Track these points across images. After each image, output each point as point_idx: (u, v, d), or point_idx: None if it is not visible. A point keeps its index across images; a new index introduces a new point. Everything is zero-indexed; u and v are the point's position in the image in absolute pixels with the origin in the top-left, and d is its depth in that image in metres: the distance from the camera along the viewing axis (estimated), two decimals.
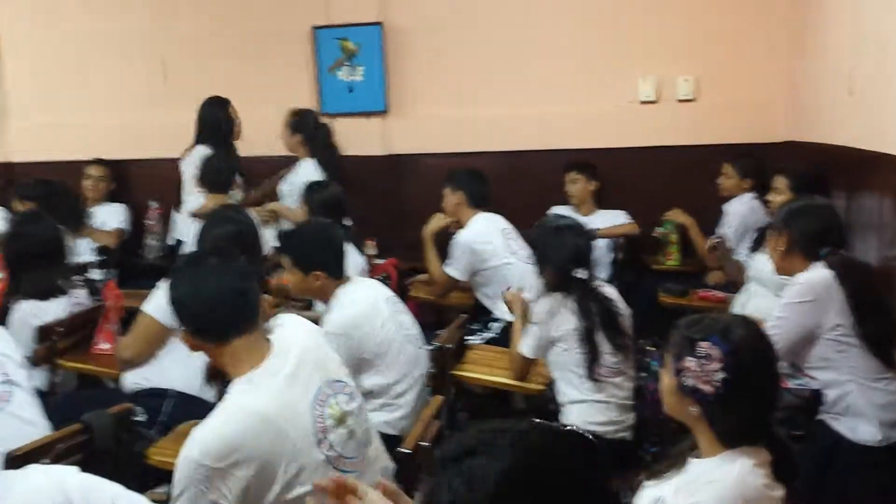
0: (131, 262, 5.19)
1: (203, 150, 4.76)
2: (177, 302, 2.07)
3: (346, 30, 5.23)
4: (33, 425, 2.43)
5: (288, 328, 2.14)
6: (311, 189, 4.18)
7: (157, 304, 3.09)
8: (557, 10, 5.10)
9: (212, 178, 4.41)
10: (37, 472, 1.44)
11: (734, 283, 3.99)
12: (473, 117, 5.24)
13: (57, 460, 2.12)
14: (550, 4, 5.12)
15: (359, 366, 2.86)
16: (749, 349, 1.74)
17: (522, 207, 4.82)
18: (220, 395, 3.07)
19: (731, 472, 1.69)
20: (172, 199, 5.09)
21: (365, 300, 3.00)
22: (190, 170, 4.77)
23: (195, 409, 2.97)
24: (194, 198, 4.70)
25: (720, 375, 1.72)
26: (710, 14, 4.91)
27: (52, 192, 4.39)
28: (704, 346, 1.74)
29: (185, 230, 4.84)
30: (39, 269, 3.44)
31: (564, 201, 4.90)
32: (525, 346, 3.02)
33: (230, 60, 5.44)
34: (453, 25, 5.22)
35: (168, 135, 5.46)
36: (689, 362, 1.75)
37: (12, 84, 5.75)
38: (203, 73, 5.46)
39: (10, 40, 5.70)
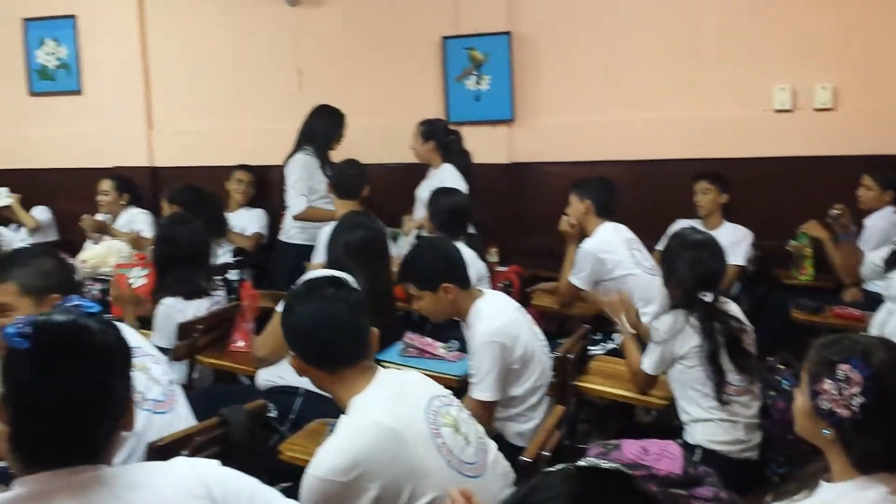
0: (266, 265, 5.42)
1: (303, 157, 4.93)
2: (291, 329, 2.12)
3: (475, 39, 5.29)
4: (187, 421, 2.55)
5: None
6: (438, 195, 4.26)
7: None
8: (688, 15, 5.02)
9: (343, 184, 4.54)
10: (181, 464, 1.53)
11: (847, 265, 3.95)
12: (599, 125, 5.21)
13: (195, 453, 2.23)
14: (680, 9, 5.04)
15: (507, 377, 2.89)
16: (891, 374, 1.68)
17: (647, 217, 4.76)
18: None
19: (865, 498, 1.64)
20: None
21: (507, 310, 3.01)
22: (293, 174, 4.94)
23: (323, 407, 3.07)
24: (296, 201, 4.89)
25: (859, 400, 1.66)
26: (849, 20, 4.72)
27: (199, 197, 4.65)
28: (844, 369, 1.69)
29: (290, 233, 5.07)
30: (185, 270, 3.65)
31: (690, 212, 4.79)
32: (647, 362, 2.99)
33: (362, 69, 5.61)
34: (581, 33, 5.21)
35: None
36: (827, 385, 1.70)
37: (160, 92, 6.08)
38: (335, 81, 5.66)
39: (158, 50, 6.04)
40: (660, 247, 4.60)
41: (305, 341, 2.09)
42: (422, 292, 2.96)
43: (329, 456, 1.89)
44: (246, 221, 5.53)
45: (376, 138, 5.54)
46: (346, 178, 4.56)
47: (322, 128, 5.03)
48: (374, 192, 5.10)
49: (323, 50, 5.69)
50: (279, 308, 3.22)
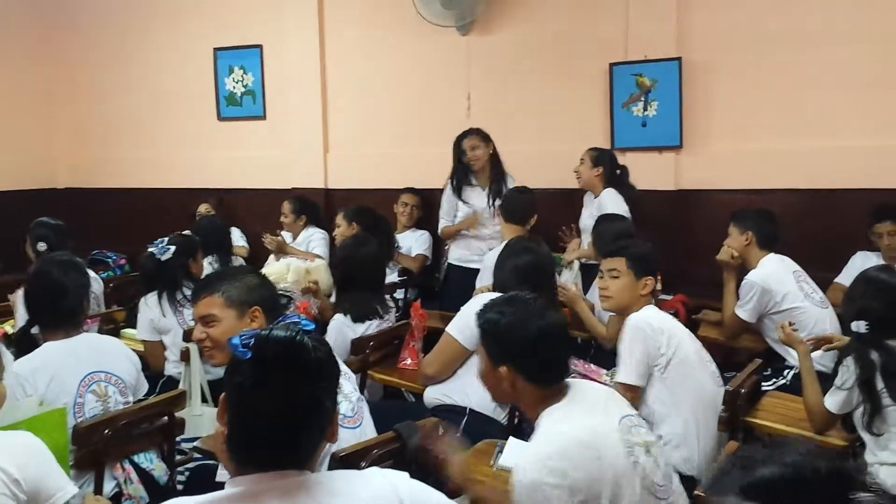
0: (428, 285, 5.59)
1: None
2: (519, 342, 2.16)
3: (643, 65, 5.28)
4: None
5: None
6: (602, 221, 4.27)
7: (459, 325, 3.34)
8: (865, 37, 4.80)
9: (511, 208, 4.64)
10: (376, 474, 1.64)
11: None
12: (770, 152, 5.07)
13: (372, 464, 2.35)
14: (857, 31, 4.82)
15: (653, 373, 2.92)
16: None
17: (819, 248, 4.59)
18: (511, 416, 3.26)
19: None
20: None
21: (668, 319, 3.06)
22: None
23: (488, 428, 3.18)
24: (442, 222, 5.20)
25: None
26: None
27: (374, 219, 4.87)
28: None
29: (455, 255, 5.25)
30: (362, 291, 3.86)
31: (867, 244, 4.56)
32: (830, 401, 2.89)
33: (528, 95, 5.71)
34: (754, 59, 5.08)
35: None
36: None
37: (335, 117, 6.40)
38: (502, 107, 5.78)
39: (335, 77, 6.36)
40: (840, 279, 4.45)
41: (533, 355, 2.15)
42: None
43: (537, 459, 1.97)
44: (411, 243, 5.71)
45: (541, 163, 5.62)
46: (514, 203, 4.66)
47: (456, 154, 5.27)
48: (543, 216, 5.17)
49: (491, 76, 5.82)
50: (448, 329, 3.37)
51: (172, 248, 3.95)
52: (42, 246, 4.29)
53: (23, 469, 1.90)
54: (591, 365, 3.40)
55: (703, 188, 5.25)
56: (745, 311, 4.00)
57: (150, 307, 3.90)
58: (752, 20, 5.07)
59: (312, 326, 1.63)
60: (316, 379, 1.54)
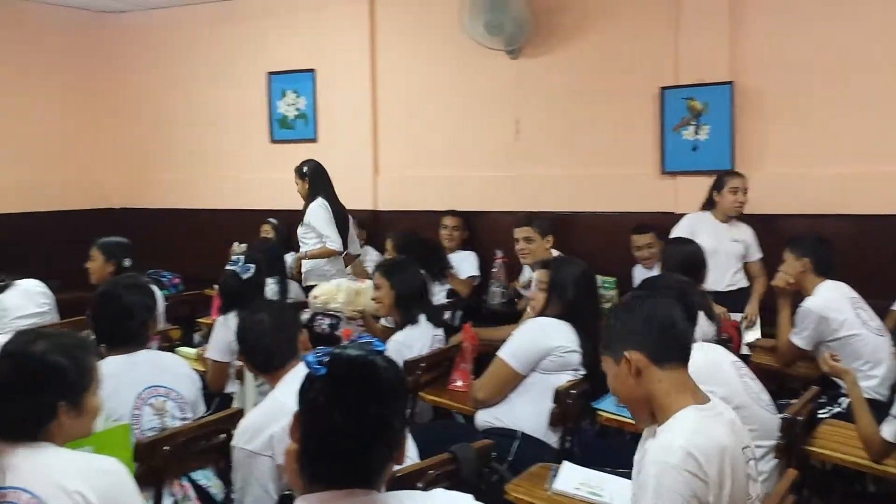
0: (476, 307, 5.61)
1: None
2: (660, 326, 2.06)
3: (695, 89, 5.27)
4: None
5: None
6: (674, 243, 4.25)
7: (511, 349, 3.35)
8: None
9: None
10: (441, 495, 1.66)
11: None
12: (823, 177, 5.01)
13: (428, 485, 2.37)
14: None
15: None
16: None
17: (876, 275, 4.52)
18: (563, 440, 3.26)
19: None
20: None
21: (708, 359, 2.99)
22: None
23: (540, 451, 3.17)
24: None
25: None
26: None
27: (421, 244, 4.92)
28: None
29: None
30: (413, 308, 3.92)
31: None
32: (887, 429, 2.84)
33: (577, 119, 5.73)
34: (806, 82, 5.04)
35: (515, 189, 5.89)
36: None
37: (385, 140, 6.47)
38: (552, 131, 5.81)
39: (386, 100, 6.44)
40: None
41: (673, 339, 2.07)
42: None
43: (683, 444, 1.88)
44: (457, 264, 5.73)
45: (591, 187, 5.63)
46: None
47: None
48: (589, 240, 5.17)
49: (540, 100, 5.85)
50: (500, 353, 3.39)
51: (254, 266, 3.99)
52: (128, 262, 4.37)
53: (102, 497, 1.89)
54: None
55: (754, 213, 5.21)
56: (801, 339, 3.94)
57: (230, 327, 3.91)
58: (805, 45, 5.04)
59: (383, 347, 1.66)
60: (386, 399, 1.56)
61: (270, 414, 2.52)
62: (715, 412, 2.02)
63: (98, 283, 4.08)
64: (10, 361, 1.99)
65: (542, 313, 3.42)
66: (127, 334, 2.86)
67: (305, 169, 5.51)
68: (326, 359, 1.56)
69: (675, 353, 2.06)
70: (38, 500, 1.83)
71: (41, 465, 1.88)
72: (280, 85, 6.81)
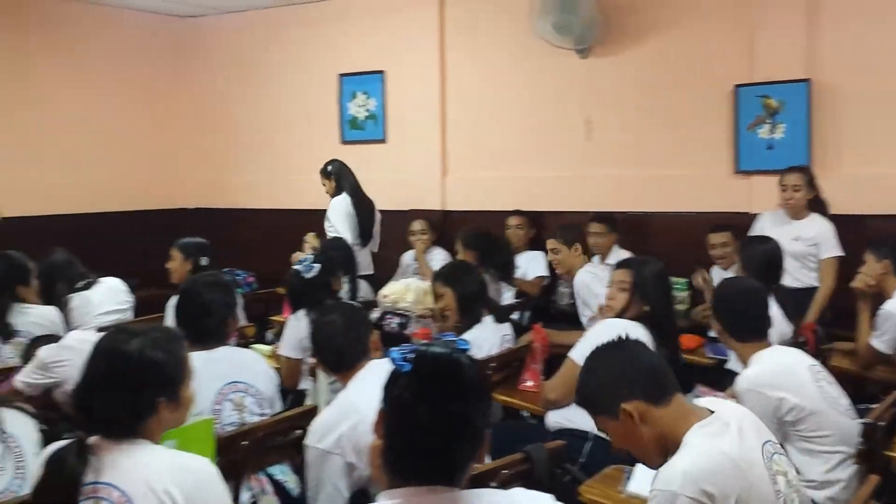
0: (544, 307, 5.59)
1: None
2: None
3: (770, 87, 5.16)
4: None
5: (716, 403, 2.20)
6: (752, 242, 4.19)
7: (583, 350, 3.32)
8: None
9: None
10: (521, 494, 1.67)
11: None
12: None
13: (501, 485, 2.38)
14: None
15: (783, 432, 2.80)
16: None
17: None
18: None
19: None
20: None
21: (782, 363, 2.93)
22: None
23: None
24: None
25: None
26: None
27: (490, 242, 4.93)
28: None
29: None
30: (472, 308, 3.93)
31: None
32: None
33: (649, 118, 5.67)
34: (885, 80, 4.91)
35: (585, 189, 5.85)
36: None
37: (454, 140, 6.50)
38: (623, 130, 5.76)
39: (455, 101, 6.47)
40: None
41: (660, 374, 2.07)
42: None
43: (683, 470, 1.90)
44: (525, 264, 5.72)
45: (663, 187, 5.56)
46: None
47: None
48: (661, 241, 5.11)
49: (611, 99, 5.81)
50: (571, 354, 3.37)
51: (318, 266, 4.07)
52: (205, 261, 4.49)
53: (189, 497, 1.92)
54: (720, 393, 3.32)
55: (834, 213, 5.08)
56: (882, 342, 3.84)
57: (301, 325, 4.01)
58: (884, 41, 4.92)
59: (467, 346, 1.68)
60: (469, 397, 1.58)
61: (341, 413, 2.57)
62: (719, 424, 2.00)
63: (178, 282, 4.21)
64: (108, 360, 2.03)
65: (621, 315, 3.39)
66: (207, 331, 2.93)
67: (330, 168, 5.89)
68: (412, 356, 1.59)
69: (667, 386, 2.05)
70: (128, 498, 1.88)
71: (134, 463, 1.92)
72: (351, 86, 6.90)
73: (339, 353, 2.82)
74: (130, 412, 1.98)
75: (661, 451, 2.01)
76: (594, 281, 4.64)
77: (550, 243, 5.00)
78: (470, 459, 1.60)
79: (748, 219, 4.99)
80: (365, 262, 5.77)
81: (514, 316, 5.18)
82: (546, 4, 5.52)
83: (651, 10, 5.64)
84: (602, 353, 2.15)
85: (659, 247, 5.24)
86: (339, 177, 5.84)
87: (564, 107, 5.98)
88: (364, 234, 5.78)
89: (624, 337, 2.20)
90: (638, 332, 3.33)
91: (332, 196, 5.82)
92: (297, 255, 5.79)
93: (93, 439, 1.95)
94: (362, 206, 5.80)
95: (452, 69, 6.43)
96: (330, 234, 5.72)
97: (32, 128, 6.67)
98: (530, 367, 3.82)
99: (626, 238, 5.27)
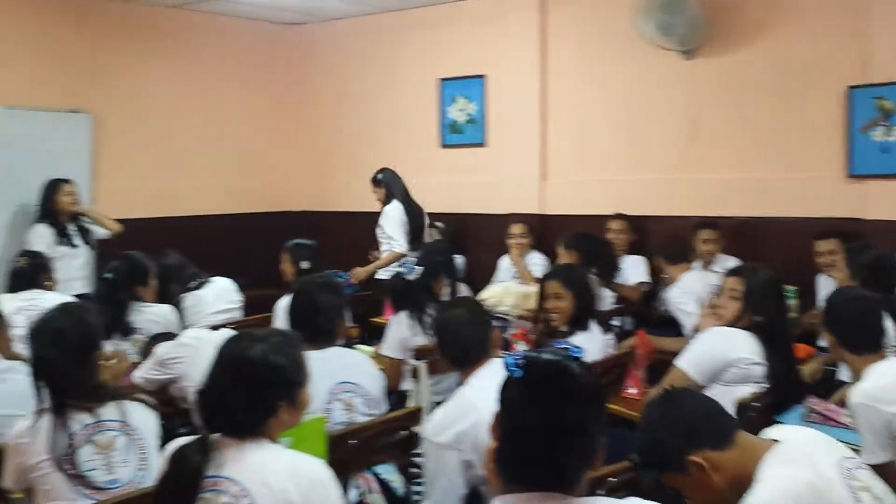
0: (646, 313, 5.51)
1: None
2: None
3: (886, 88, 4.96)
4: None
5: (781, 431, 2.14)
6: (856, 251, 4.05)
7: (690, 358, 3.28)
8: None
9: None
10: (635, 503, 1.66)
11: None
12: None
13: (609, 493, 2.36)
14: None
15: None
16: None
17: None
18: None
19: None
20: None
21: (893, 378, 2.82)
22: None
23: None
24: None
25: None
26: None
27: (594, 245, 4.90)
28: None
29: None
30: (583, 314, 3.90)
31: None
32: None
33: (756, 121, 5.53)
34: None
35: (689, 193, 5.74)
36: None
37: (554, 144, 6.47)
38: (729, 133, 5.64)
39: (555, 105, 6.43)
40: None
41: (721, 418, 2.04)
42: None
43: (768, 498, 1.86)
44: (627, 270, 5.64)
45: (771, 191, 5.42)
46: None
47: None
48: (769, 247, 4.98)
49: (717, 101, 5.68)
50: (678, 361, 3.32)
51: (419, 269, 4.13)
52: (305, 264, 4.62)
53: (306, 498, 1.98)
54: (832, 404, 3.22)
55: None
56: None
57: (402, 326, 4.08)
58: None
59: (581, 353, 1.68)
60: (580, 403, 1.58)
61: (459, 410, 2.58)
62: (788, 452, 1.93)
63: (290, 283, 4.33)
64: (233, 365, 2.10)
65: (731, 324, 3.32)
66: (318, 331, 3.00)
67: (380, 176, 5.99)
68: (523, 361, 1.60)
69: (727, 427, 1.99)
70: (247, 492, 1.95)
71: (254, 460, 2.00)
72: (451, 91, 6.95)
73: (463, 347, 2.82)
74: (252, 414, 2.05)
75: (738, 493, 1.93)
76: (698, 285, 4.57)
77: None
78: (584, 467, 1.59)
79: (861, 225, 4.82)
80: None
81: (615, 322, 5.13)
82: (649, 5, 5.45)
83: (759, 10, 5.49)
84: (655, 409, 2.10)
85: (767, 253, 5.12)
86: (390, 184, 5.95)
87: (668, 109, 5.88)
88: (415, 240, 5.87)
89: (670, 388, 2.18)
90: (745, 339, 3.27)
91: (383, 203, 5.93)
92: (375, 255, 5.93)
93: (215, 437, 2.03)
94: (413, 212, 5.91)
95: (554, 72, 6.40)
96: (382, 240, 5.87)
97: (149, 135, 6.95)
98: (633, 374, 3.77)
99: (731, 244, 5.16)
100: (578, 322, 3.86)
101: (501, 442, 1.60)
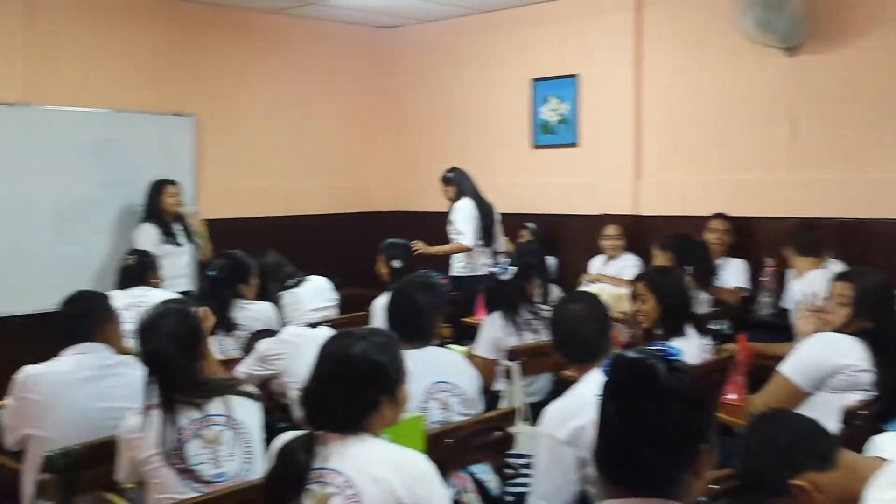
0: (744, 317, 5.37)
1: None
2: None
3: None
4: None
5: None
6: None
7: (794, 364, 3.19)
8: None
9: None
10: None
11: None
12: None
13: (711, 500, 2.31)
14: None
15: None
16: None
17: None
18: None
19: None
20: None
21: None
22: None
23: None
24: None
25: None
26: None
27: (690, 246, 4.80)
28: None
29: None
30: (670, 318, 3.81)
31: None
32: None
33: (863, 120, 5.33)
34: None
35: (790, 194, 5.58)
36: None
37: (650, 143, 6.36)
38: (832, 132, 5.45)
39: (651, 104, 6.33)
40: None
41: (826, 436, 1.98)
42: None
43: None
44: (726, 271, 5.51)
45: (879, 192, 5.21)
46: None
47: None
48: (880, 249, 4.79)
49: (820, 100, 5.49)
50: (781, 368, 3.23)
51: (513, 269, 4.14)
52: (397, 263, 4.67)
53: (409, 489, 2.04)
54: None
55: None
56: None
57: (495, 326, 4.09)
58: None
59: (678, 354, 1.65)
60: (667, 404, 1.55)
61: (575, 406, 2.54)
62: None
63: (387, 283, 4.40)
64: (336, 363, 2.16)
65: (840, 330, 3.21)
66: (416, 330, 3.04)
67: (451, 175, 6.16)
68: (611, 359, 1.62)
69: (830, 447, 1.91)
70: (351, 483, 2.01)
71: (358, 453, 2.05)
72: (543, 91, 6.92)
73: (582, 343, 2.77)
74: (355, 410, 2.11)
75: None
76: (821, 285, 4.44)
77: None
78: (680, 472, 1.55)
79: None
80: (489, 262, 5.98)
81: (714, 326, 5.02)
82: (749, 2, 5.31)
83: (864, 7, 5.29)
84: (755, 433, 2.03)
85: (872, 256, 4.93)
86: (460, 182, 6.09)
87: (768, 108, 5.71)
88: (487, 236, 6.00)
89: (768, 409, 2.14)
90: (852, 345, 3.16)
91: (454, 201, 6.06)
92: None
93: (319, 432, 2.09)
94: (484, 209, 6.03)
95: (649, 70, 6.30)
96: (454, 237, 6.00)
97: (249, 136, 7.14)
98: (734, 379, 3.68)
99: (836, 247, 4.98)
100: (670, 325, 3.78)
101: (596, 441, 1.59)
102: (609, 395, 1.59)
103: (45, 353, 3.02)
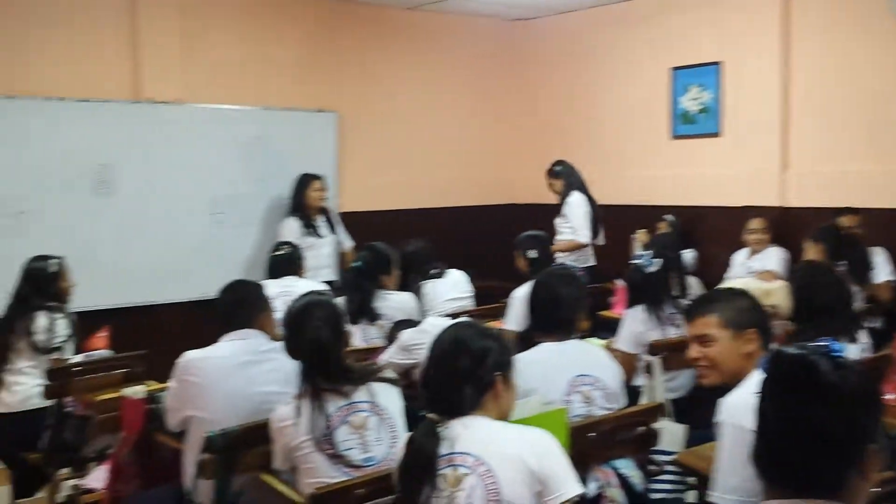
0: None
1: None
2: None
3: None
4: None
5: None
6: None
7: None
8: None
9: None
10: None
11: None
12: None
13: None
14: None
15: None
16: None
17: None
18: None
19: None
20: None
21: None
22: None
23: None
24: None
25: None
26: None
27: (842, 239, 4.60)
28: None
29: None
30: (825, 316, 3.62)
31: None
32: None
33: None
34: None
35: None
36: None
37: (799, 133, 6.11)
38: None
39: (799, 89, 6.08)
40: None
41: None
42: None
43: None
44: (877, 265, 5.23)
45: None
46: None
47: None
48: None
49: None
50: None
51: (658, 261, 4.07)
52: (533, 253, 4.69)
53: (539, 461, 2.10)
54: None
55: None
56: None
57: (637, 320, 4.04)
58: None
59: (842, 350, 1.59)
60: (831, 402, 1.48)
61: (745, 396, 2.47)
62: None
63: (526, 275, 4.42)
64: (448, 346, 2.25)
65: None
66: (558, 323, 3.04)
67: (559, 168, 6.12)
68: (771, 355, 1.57)
69: None
70: (482, 461, 2.08)
71: (482, 433, 2.13)
72: (684, 80, 6.76)
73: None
74: (471, 389, 2.18)
75: None
76: None
77: None
78: (846, 473, 1.48)
79: None
80: (591, 254, 6.03)
81: (869, 324, 4.77)
82: None
83: None
84: None
85: None
86: (569, 176, 6.04)
87: None
88: (595, 229, 5.96)
89: None
90: None
91: (562, 195, 6.00)
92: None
93: (442, 419, 2.17)
94: (593, 202, 5.98)
95: (797, 57, 6.05)
96: (564, 231, 5.94)
97: (388, 131, 7.31)
98: (891, 378, 3.50)
99: None
100: (813, 325, 3.57)
101: (756, 439, 1.55)
102: (769, 392, 1.55)
103: (203, 338, 3.17)
